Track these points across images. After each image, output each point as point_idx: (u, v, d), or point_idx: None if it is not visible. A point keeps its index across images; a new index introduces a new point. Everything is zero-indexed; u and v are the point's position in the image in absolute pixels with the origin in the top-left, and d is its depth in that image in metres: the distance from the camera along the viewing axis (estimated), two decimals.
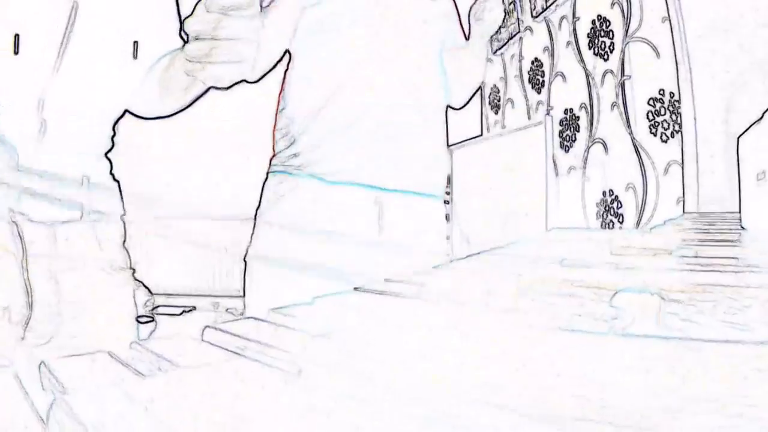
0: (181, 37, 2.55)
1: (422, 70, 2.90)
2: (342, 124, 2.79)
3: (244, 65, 2.36)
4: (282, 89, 2.87)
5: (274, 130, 2.91)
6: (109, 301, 2.50)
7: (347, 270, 2.68)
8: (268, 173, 2.91)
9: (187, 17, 2.38)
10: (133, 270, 2.62)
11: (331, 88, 2.79)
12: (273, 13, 2.74)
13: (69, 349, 2.40)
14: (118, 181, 2.59)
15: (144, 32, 2.48)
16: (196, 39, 2.30)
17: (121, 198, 2.60)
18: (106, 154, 2.55)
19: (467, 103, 3.19)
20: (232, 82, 2.43)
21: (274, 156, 2.90)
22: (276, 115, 2.90)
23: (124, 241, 2.60)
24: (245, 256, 2.89)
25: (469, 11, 3.11)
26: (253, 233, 2.89)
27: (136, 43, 2.46)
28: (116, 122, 2.55)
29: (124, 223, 2.61)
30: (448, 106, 3.05)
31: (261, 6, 2.53)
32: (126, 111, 2.56)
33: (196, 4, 2.38)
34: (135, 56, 2.46)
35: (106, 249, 2.51)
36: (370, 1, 2.81)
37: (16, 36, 2.32)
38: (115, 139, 2.56)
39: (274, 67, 2.81)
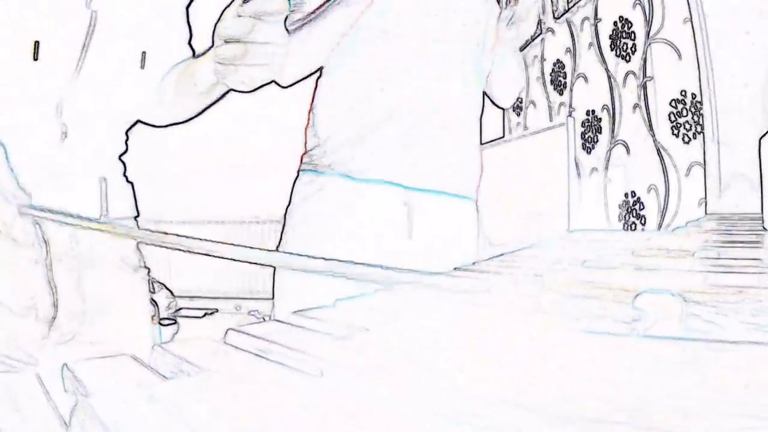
0: (191, 47, 2.57)
1: (458, 68, 2.87)
2: (373, 123, 2.76)
3: (275, 67, 2.37)
4: (316, 86, 2.84)
5: (306, 129, 2.88)
6: (126, 299, 2.52)
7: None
8: (299, 171, 2.89)
9: (217, 22, 2.40)
10: (148, 270, 2.64)
11: (362, 85, 2.78)
12: (319, 27, 2.73)
13: (88, 347, 2.42)
14: (131, 183, 2.61)
15: (154, 42, 2.51)
16: (227, 42, 2.33)
17: (135, 199, 2.62)
18: (120, 156, 2.57)
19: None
20: (263, 83, 2.45)
21: (305, 154, 2.88)
22: (309, 113, 2.88)
23: (138, 242, 2.62)
24: None
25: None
26: (282, 232, 2.86)
27: (144, 53, 2.49)
28: (129, 128, 2.57)
29: (137, 224, 2.63)
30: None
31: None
32: (138, 121, 2.58)
33: (224, 10, 2.40)
34: (142, 66, 2.49)
35: (120, 249, 2.54)
36: None
37: (36, 43, 2.35)
38: (128, 142, 2.58)
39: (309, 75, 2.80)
